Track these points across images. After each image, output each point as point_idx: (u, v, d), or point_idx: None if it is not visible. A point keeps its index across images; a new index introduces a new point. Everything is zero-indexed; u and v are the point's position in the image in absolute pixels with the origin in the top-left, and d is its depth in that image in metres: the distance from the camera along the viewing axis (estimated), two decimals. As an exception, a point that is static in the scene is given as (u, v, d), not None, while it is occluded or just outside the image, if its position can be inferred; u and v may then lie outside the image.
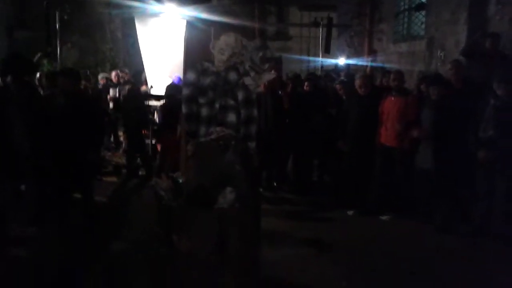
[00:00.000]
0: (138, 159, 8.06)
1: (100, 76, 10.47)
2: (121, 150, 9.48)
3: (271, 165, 7.29)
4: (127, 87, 8.51)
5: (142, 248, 4.80)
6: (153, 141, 9.02)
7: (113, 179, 7.80)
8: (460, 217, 5.57)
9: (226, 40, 3.62)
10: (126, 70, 10.94)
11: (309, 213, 6.39)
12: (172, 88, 8.72)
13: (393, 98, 5.92)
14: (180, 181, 3.19)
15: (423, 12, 10.25)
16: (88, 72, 9.92)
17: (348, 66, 12.90)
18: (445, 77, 6.34)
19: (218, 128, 3.33)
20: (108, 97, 9.34)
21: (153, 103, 9.63)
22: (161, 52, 10.84)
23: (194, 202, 3.00)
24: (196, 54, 4.56)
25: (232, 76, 3.52)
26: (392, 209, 5.98)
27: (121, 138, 9.61)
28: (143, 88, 10.15)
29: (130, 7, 11.83)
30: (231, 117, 3.46)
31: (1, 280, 4.02)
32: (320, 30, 13.70)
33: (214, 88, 3.51)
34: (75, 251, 4.68)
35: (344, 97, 6.93)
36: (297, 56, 16.57)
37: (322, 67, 13.75)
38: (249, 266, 3.11)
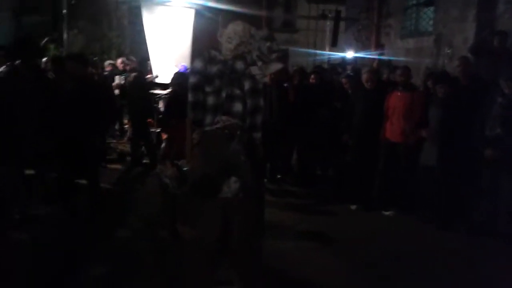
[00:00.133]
0: (143, 147, 8.06)
1: (106, 63, 10.44)
2: (125, 138, 9.48)
3: (276, 157, 7.28)
4: (133, 75, 8.48)
5: (146, 235, 4.83)
6: (158, 130, 9.02)
7: (118, 166, 7.81)
8: (463, 215, 5.55)
9: (234, 29, 3.59)
10: (133, 58, 10.92)
11: (312, 206, 6.39)
12: (178, 77, 8.71)
13: (399, 94, 5.90)
14: (185, 169, 3.18)
15: (432, 8, 10.19)
16: (95, 58, 9.88)
17: (355, 60, 12.85)
18: (452, 74, 6.31)
19: (224, 117, 3.30)
20: (114, 84, 9.33)
21: (158, 91, 9.63)
22: (167, 41, 10.80)
23: (198, 191, 3.00)
24: (204, 42, 4.54)
25: (239, 65, 3.50)
26: (396, 205, 5.97)
27: (126, 126, 9.61)
28: (149, 76, 10.14)
29: (137, -6, 11.80)
30: (237, 107, 3.43)
31: (3, 264, 4.04)
32: (328, 23, 13.64)
33: (221, 76, 3.48)
34: (79, 237, 4.69)
35: (349, 91, 6.90)
36: (304, 49, 16.50)
37: (329, 60, 13.71)
38: (251, 256, 3.10)
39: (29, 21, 13.69)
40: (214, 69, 3.51)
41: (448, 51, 9.13)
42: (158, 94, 9.57)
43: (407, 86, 5.97)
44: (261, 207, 3.50)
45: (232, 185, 3.00)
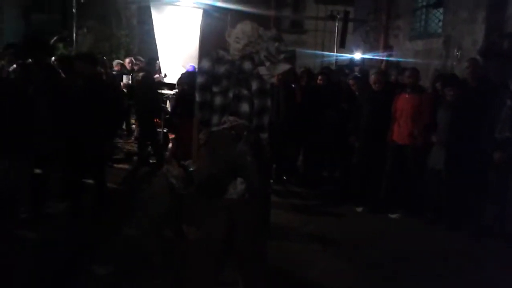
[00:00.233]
0: (150, 147, 8.07)
1: (114, 63, 10.48)
2: (133, 138, 9.51)
3: (282, 158, 7.26)
4: (140, 74, 8.51)
5: (152, 235, 4.83)
6: (165, 130, 9.04)
7: (124, 166, 7.82)
8: (471, 217, 5.51)
9: (243, 29, 3.58)
10: (141, 58, 10.95)
11: (317, 208, 6.37)
12: (185, 77, 8.72)
13: (407, 95, 5.87)
14: (191, 169, 3.18)
15: (441, 10, 10.13)
16: (104, 58, 9.92)
17: (363, 61, 12.81)
18: (460, 76, 6.27)
19: (231, 118, 3.30)
20: (122, 84, 9.36)
21: (166, 91, 9.65)
22: (176, 40, 10.83)
23: (204, 191, 2.99)
24: (212, 42, 4.53)
25: (247, 65, 3.48)
26: (402, 208, 5.94)
27: (133, 126, 9.63)
28: (157, 76, 10.16)
29: (146, -7, 11.84)
30: (245, 107, 3.42)
31: (8, 263, 4.05)
32: (336, 24, 13.60)
33: (228, 77, 3.47)
34: (85, 236, 4.70)
35: (357, 92, 6.87)
36: (312, 51, 16.47)
37: (336, 61, 13.67)
38: (257, 257, 3.09)
39: (38, 20, 13.80)
40: (221, 69, 3.50)
41: (457, 53, 9.07)
42: (166, 94, 9.60)
43: (415, 88, 5.94)
44: (267, 209, 3.49)
45: (238, 186, 2.99)
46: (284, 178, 7.37)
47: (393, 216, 5.90)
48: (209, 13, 5.84)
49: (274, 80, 3.68)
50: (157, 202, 5.56)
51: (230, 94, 3.45)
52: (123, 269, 4.11)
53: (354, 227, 5.64)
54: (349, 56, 13.76)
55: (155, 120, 8.41)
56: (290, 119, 6.92)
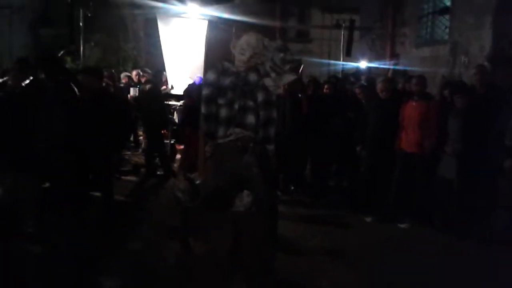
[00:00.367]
0: (157, 158, 8.08)
1: (122, 75, 10.54)
2: (140, 150, 9.53)
3: (289, 168, 7.22)
4: (147, 86, 8.54)
5: (159, 248, 4.81)
6: (172, 141, 9.06)
7: (132, 178, 7.83)
8: (481, 226, 5.43)
9: (247, 40, 3.58)
10: (148, 70, 11.01)
11: (326, 218, 6.32)
12: (194, 88, 8.75)
13: (414, 103, 5.83)
14: (197, 182, 3.17)
15: (447, 16, 10.09)
16: (113, 71, 9.97)
17: (369, 69, 12.78)
18: (468, 83, 6.22)
19: (237, 130, 3.29)
20: (129, 96, 9.40)
21: (173, 103, 9.68)
22: (183, 52, 10.88)
23: (210, 204, 2.98)
24: (217, 53, 4.54)
25: (252, 77, 3.48)
26: (412, 217, 5.87)
27: (141, 138, 9.66)
28: (164, 88, 10.20)
29: (153, 7, 11.93)
30: (250, 119, 3.41)
31: (15, 277, 4.05)
32: (342, 33, 13.60)
33: (233, 88, 3.47)
34: (92, 249, 4.69)
35: (363, 101, 6.85)
36: (318, 59, 16.47)
37: (343, 70, 13.66)
38: (264, 270, 3.06)
39: (46, 34, 13.91)
40: (227, 81, 3.50)
41: (465, 59, 9.02)
42: (173, 105, 9.63)
43: (423, 96, 5.90)
44: (274, 220, 3.46)
45: (245, 198, 2.97)
46: (292, 188, 7.33)
47: (403, 225, 5.83)
48: (214, 24, 5.86)
49: (280, 91, 3.67)
50: (164, 214, 5.53)
51: (236, 106, 3.44)
52: (130, 281, 4.10)
53: (363, 237, 5.57)
54: (355, 64, 13.73)
55: (162, 132, 8.43)
56: (296, 129, 6.90)
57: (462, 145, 5.39)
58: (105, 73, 7.27)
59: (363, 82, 7.84)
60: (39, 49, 13.54)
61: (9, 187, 5.11)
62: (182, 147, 8.75)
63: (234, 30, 4.83)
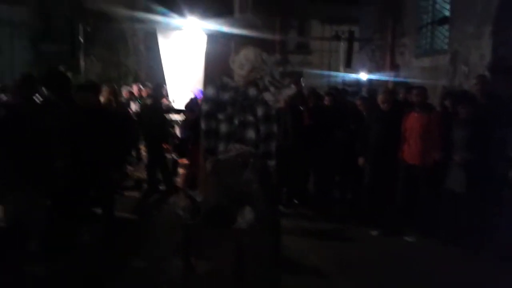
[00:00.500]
0: (159, 173, 8.04)
1: (123, 90, 10.55)
2: (142, 164, 9.49)
3: (291, 181, 7.18)
4: (148, 100, 8.53)
5: (161, 266, 4.75)
6: (174, 156, 9.03)
7: (134, 193, 7.78)
8: (487, 238, 5.35)
9: (246, 55, 3.57)
10: (149, 84, 11.02)
11: (330, 232, 6.24)
12: (195, 102, 8.76)
13: (416, 114, 5.80)
14: (198, 199, 3.13)
15: (447, 26, 10.09)
16: (115, 86, 9.98)
17: (369, 80, 12.78)
18: (469, 92, 6.20)
19: (237, 145, 3.27)
20: (130, 110, 9.40)
21: (174, 117, 9.68)
22: (183, 65, 10.91)
23: (212, 221, 2.94)
24: (216, 68, 4.53)
25: (252, 91, 3.47)
26: (418, 230, 5.80)
27: (143, 152, 9.63)
28: (165, 102, 10.20)
29: (152, 21, 11.98)
30: (250, 134, 3.39)
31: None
32: (342, 44, 13.63)
33: (233, 103, 3.46)
34: (94, 267, 4.65)
35: (364, 112, 6.82)
36: (318, 71, 16.50)
37: (343, 81, 13.66)
38: (268, 287, 3.02)
39: (47, 49, 13.96)
40: (226, 96, 3.49)
41: (465, 69, 9.01)
42: (174, 119, 9.63)
43: (424, 107, 5.88)
44: (277, 236, 3.42)
45: (247, 215, 2.94)
46: (295, 201, 7.28)
47: (409, 239, 5.76)
48: (214, 38, 5.86)
49: (279, 105, 3.66)
50: (167, 231, 5.48)
51: (236, 121, 3.43)
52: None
53: (369, 251, 5.48)
54: (355, 75, 13.73)
55: (164, 146, 8.41)
56: (298, 141, 6.87)
57: (468, 156, 5.33)
58: (107, 88, 7.33)
59: (363, 93, 7.83)
60: (40, 64, 13.60)
61: (16, 205, 5.10)
62: (184, 161, 8.75)
63: (233, 44, 4.81)
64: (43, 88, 6.10)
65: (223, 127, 3.44)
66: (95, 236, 5.30)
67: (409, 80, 10.48)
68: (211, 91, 3.55)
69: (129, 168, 9.09)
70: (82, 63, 12.32)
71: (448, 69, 9.64)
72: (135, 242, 5.51)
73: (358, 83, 13.76)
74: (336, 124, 7.05)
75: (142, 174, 8.76)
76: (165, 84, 11.06)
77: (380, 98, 6.15)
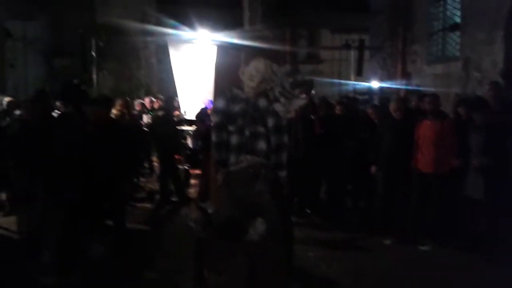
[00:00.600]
0: (171, 184, 8.06)
1: (136, 102, 10.64)
2: (154, 176, 9.53)
3: (303, 191, 7.15)
4: (160, 112, 8.59)
5: (173, 278, 4.74)
6: (186, 166, 9.06)
7: (147, 205, 7.80)
8: (504, 246, 5.25)
9: (256, 66, 3.58)
10: (160, 96, 11.09)
11: (343, 241, 6.17)
12: (205, 112, 8.81)
13: (429, 122, 5.76)
14: (210, 211, 3.12)
15: (458, 33, 10.04)
16: (128, 99, 10.07)
17: (381, 88, 12.72)
18: (483, 98, 6.14)
19: (248, 156, 3.27)
20: (142, 123, 9.47)
21: (186, 128, 9.73)
22: (194, 77, 10.98)
23: (223, 233, 2.93)
24: (226, 79, 4.55)
25: (262, 102, 3.47)
26: (433, 239, 5.71)
27: (155, 164, 9.67)
28: (176, 113, 10.25)
29: (164, 34, 12.10)
30: (261, 145, 3.39)
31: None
32: (352, 53, 13.60)
33: (243, 115, 3.46)
34: (106, 279, 4.66)
35: (376, 121, 6.78)
36: (329, 80, 16.48)
37: (354, 90, 13.62)
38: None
39: (60, 64, 14.18)
40: (236, 107, 3.49)
41: (477, 75, 8.94)
42: (186, 130, 9.68)
43: (437, 114, 5.82)
44: (289, 248, 3.40)
45: (258, 227, 2.92)
46: (307, 211, 7.23)
47: (424, 248, 5.68)
48: (224, 49, 5.90)
49: (290, 115, 3.65)
50: (179, 243, 5.47)
51: (246, 132, 3.43)
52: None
53: (383, 260, 5.41)
54: (366, 84, 13.68)
55: (176, 157, 8.44)
56: (309, 151, 6.84)
57: (488, 158, 5.26)
58: (120, 101, 7.40)
59: (375, 102, 7.80)
60: (53, 79, 13.80)
61: (29, 216, 5.17)
62: (196, 171, 8.76)
63: (243, 55, 4.84)
64: (58, 102, 6.23)
65: (234, 139, 3.44)
66: (107, 248, 5.31)
67: (421, 87, 10.41)
68: (221, 103, 3.56)
69: (142, 179, 9.14)
70: (94, 77, 12.44)
71: (460, 76, 9.58)
72: (147, 254, 5.51)
73: (369, 92, 13.68)
74: (347, 132, 7.01)
75: (154, 185, 8.80)
76: (176, 96, 11.14)
77: (392, 106, 6.11)
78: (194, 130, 9.46)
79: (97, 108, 5.28)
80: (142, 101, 10.83)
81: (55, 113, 4.99)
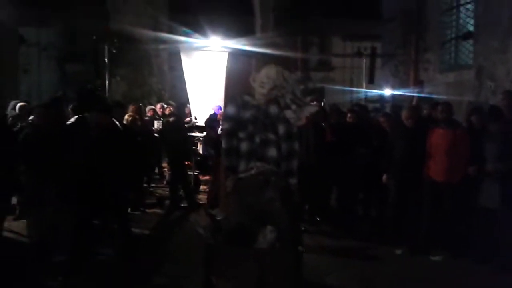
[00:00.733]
0: (181, 190, 8.08)
1: (147, 108, 10.69)
2: (164, 182, 9.55)
3: (314, 198, 7.11)
4: (171, 119, 8.63)
5: (182, 284, 4.73)
6: (196, 172, 9.07)
7: (157, 211, 7.81)
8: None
9: (267, 73, 3.57)
10: (172, 103, 11.13)
11: (353, 250, 6.10)
12: (214, 118, 8.83)
13: (441, 131, 5.70)
14: (219, 218, 3.11)
15: (471, 41, 9.97)
16: (140, 105, 10.10)
17: (393, 96, 12.66)
18: (497, 107, 6.07)
19: (258, 163, 3.25)
20: (153, 129, 9.50)
21: (196, 134, 9.75)
22: (206, 84, 11.03)
23: (233, 240, 2.91)
24: (237, 86, 4.55)
25: (273, 109, 3.46)
26: (445, 249, 5.63)
27: (165, 170, 9.70)
28: (187, 120, 10.29)
29: (176, 41, 12.17)
30: (272, 152, 3.37)
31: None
32: (364, 60, 13.56)
33: (254, 122, 3.45)
34: (115, 283, 4.66)
35: (388, 129, 6.73)
36: (340, 87, 16.44)
37: (366, 97, 13.56)
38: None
39: (73, 70, 14.32)
40: (247, 114, 3.48)
41: (491, 83, 8.85)
42: (197, 136, 9.70)
43: (450, 123, 5.77)
44: (299, 256, 3.37)
45: (268, 234, 2.89)
46: (317, 219, 7.19)
47: (435, 258, 5.60)
48: (235, 56, 5.91)
49: (301, 122, 3.63)
50: (188, 248, 5.46)
51: (257, 139, 3.41)
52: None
53: (394, 271, 5.30)
54: (378, 92, 13.62)
55: (186, 163, 8.46)
56: (320, 158, 6.81)
57: (503, 165, 5.18)
58: (132, 107, 7.36)
59: (387, 109, 7.75)
60: (66, 84, 13.94)
61: (39, 220, 5.21)
62: (207, 177, 8.76)
63: (255, 62, 4.83)
64: (73, 107, 6.29)
65: (244, 146, 3.43)
66: (116, 252, 5.32)
67: (434, 95, 10.32)
68: (232, 110, 3.56)
69: (152, 185, 9.17)
70: (107, 83, 12.52)
71: (473, 84, 9.49)
72: (157, 259, 5.50)
73: (381, 99, 13.61)
74: (359, 140, 6.97)
75: (164, 191, 8.81)
76: (188, 103, 11.18)
77: (404, 114, 6.07)
78: (204, 136, 9.49)
79: (99, 115, 5.28)
80: (153, 107, 10.88)
81: (66, 118, 5.00)
